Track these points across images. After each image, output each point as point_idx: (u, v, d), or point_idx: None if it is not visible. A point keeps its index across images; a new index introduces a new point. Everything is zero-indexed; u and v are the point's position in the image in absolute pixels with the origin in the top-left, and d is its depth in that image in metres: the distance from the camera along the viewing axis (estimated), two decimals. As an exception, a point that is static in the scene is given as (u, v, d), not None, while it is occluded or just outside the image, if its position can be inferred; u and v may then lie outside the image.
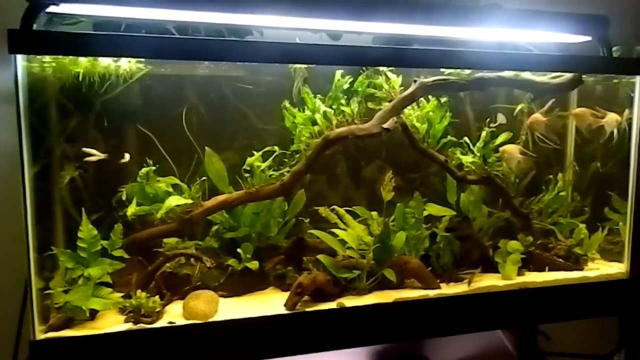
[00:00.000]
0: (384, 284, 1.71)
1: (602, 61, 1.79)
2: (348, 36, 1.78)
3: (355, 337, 1.62)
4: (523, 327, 2.29)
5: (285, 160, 1.73)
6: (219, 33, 1.65)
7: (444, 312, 1.69)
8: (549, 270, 1.90)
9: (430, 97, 1.85)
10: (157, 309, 1.50)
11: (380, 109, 1.75)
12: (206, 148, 1.72)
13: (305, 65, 1.77)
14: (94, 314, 1.48)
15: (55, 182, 1.62)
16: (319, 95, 1.76)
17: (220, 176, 1.72)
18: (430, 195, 1.91)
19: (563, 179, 2.06)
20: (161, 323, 1.48)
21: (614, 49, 1.81)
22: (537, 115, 1.86)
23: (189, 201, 1.63)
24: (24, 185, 1.34)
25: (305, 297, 1.59)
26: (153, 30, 1.54)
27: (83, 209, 1.51)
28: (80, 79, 1.57)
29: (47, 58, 1.52)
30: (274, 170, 1.70)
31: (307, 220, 1.81)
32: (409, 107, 1.82)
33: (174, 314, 1.53)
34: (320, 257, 1.69)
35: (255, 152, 1.70)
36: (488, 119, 1.93)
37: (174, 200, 1.60)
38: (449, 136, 1.87)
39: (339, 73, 1.76)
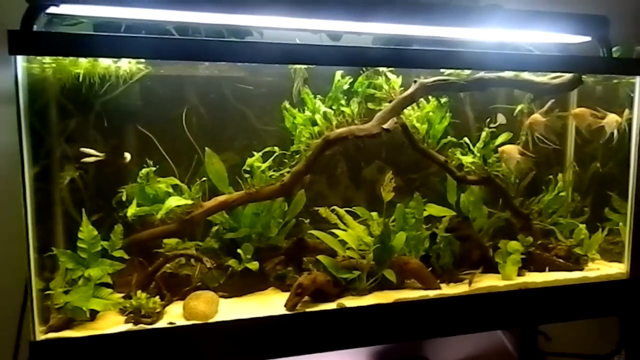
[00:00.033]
0: (384, 285, 1.71)
1: (602, 61, 1.79)
2: (348, 37, 1.78)
3: (355, 337, 1.62)
4: (523, 327, 2.29)
5: (285, 160, 1.73)
6: (219, 34, 1.66)
7: (444, 312, 1.69)
8: (549, 270, 1.90)
9: (430, 97, 1.86)
10: (157, 310, 1.50)
11: (380, 110, 1.75)
12: (206, 149, 1.72)
13: (305, 66, 1.77)
14: (94, 315, 1.48)
15: (56, 182, 1.62)
16: (319, 96, 1.76)
17: (221, 177, 1.72)
18: (430, 195, 1.91)
19: (563, 179, 2.06)
20: (161, 324, 1.48)
21: (613, 49, 1.81)
22: (537, 116, 1.86)
23: (189, 202, 1.63)
24: (24, 185, 1.34)
25: (306, 298, 1.59)
26: (153, 31, 1.54)
27: (83, 209, 1.51)
28: (81, 79, 1.57)
29: (47, 59, 1.52)
30: (274, 171, 1.71)
31: (307, 221, 1.81)
32: (409, 108, 1.82)
33: (174, 315, 1.53)
34: (320, 257, 1.69)
35: (255, 153, 1.70)
36: (488, 120, 1.93)
37: (174, 201, 1.60)
38: (449, 136, 1.87)
39: (339, 74, 1.77)
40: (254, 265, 1.66)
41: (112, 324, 1.47)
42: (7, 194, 1.57)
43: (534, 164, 1.90)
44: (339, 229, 1.73)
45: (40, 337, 1.38)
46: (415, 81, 1.75)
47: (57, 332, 1.41)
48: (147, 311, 1.48)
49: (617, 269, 1.93)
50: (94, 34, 1.50)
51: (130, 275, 1.59)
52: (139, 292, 1.52)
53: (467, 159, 1.87)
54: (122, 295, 1.54)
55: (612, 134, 1.87)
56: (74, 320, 1.46)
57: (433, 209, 1.88)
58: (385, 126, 1.68)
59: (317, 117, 1.73)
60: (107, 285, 1.49)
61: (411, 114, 1.84)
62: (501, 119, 1.95)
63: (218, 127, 1.82)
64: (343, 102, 1.76)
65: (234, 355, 1.52)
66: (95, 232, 1.50)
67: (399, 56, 1.57)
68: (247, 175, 1.68)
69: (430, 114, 1.85)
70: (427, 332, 1.73)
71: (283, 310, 1.56)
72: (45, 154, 1.60)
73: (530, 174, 1.99)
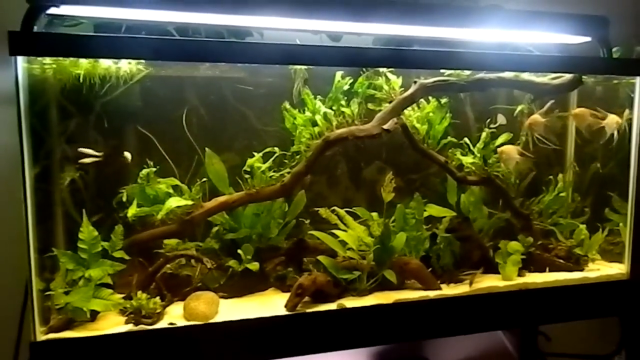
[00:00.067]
0: (384, 285, 1.71)
1: (602, 62, 1.79)
2: (348, 37, 1.78)
3: (355, 338, 1.62)
4: (523, 327, 2.29)
5: (286, 161, 1.74)
6: (219, 34, 1.66)
7: (444, 313, 1.69)
8: (550, 271, 1.90)
9: (430, 98, 1.86)
10: (158, 310, 1.50)
11: (380, 110, 1.75)
12: (206, 149, 1.72)
13: (306, 67, 1.77)
14: (94, 315, 1.48)
15: (56, 183, 1.62)
16: (319, 97, 1.76)
17: (221, 177, 1.72)
18: (430, 196, 1.92)
19: (563, 180, 2.06)
20: (162, 324, 1.48)
21: (614, 49, 1.81)
22: (536, 116, 1.86)
23: (190, 202, 1.63)
24: (24, 186, 1.34)
25: (306, 298, 1.59)
26: (153, 32, 1.54)
27: (84, 210, 1.51)
28: (81, 80, 1.57)
29: (47, 60, 1.53)
30: (274, 172, 1.71)
31: (307, 221, 1.82)
32: (409, 108, 1.82)
33: (175, 315, 1.54)
34: (320, 258, 1.69)
35: (255, 153, 1.70)
36: (488, 120, 1.94)
37: (174, 202, 1.60)
38: (449, 137, 1.87)
39: (339, 74, 1.77)
40: (254, 266, 1.66)
41: (113, 324, 1.47)
42: (7, 195, 1.57)
43: (533, 164, 1.90)
44: (339, 229, 1.72)
45: (41, 337, 1.38)
46: (415, 82, 1.75)
47: (57, 333, 1.41)
48: (148, 312, 1.48)
49: (617, 269, 1.93)
50: (94, 34, 1.50)
51: (130, 276, 1.59)
52: (139, 292, 1.52)
53: (468, 160, 1.87)
54: (122, 295, 1.54)
55: (612, 135, 1.87)
56: (74, 320, 1.46)
57: (433, 210, 1.89)
58: (385, 127, 1.69)
59: (317, 117, 1.73)
60: (107, 285, 1.49)
61: (411, 115, 1.84)
62: (501, 119, 1.95)
63: (218, 127, 1.83)
64: (343, 102, 1.76)
65: (234, 356, 1.52)
66: (96, 233, 1.50)
67: (399, 57, 1.57)
68: (247, 176, 1.68)
69: (431, 114, 1.85)
70: (427, 332, 1.73)
71: (283, 311, 1.56)
72: (45, 155, 1.60)
73: (530, 174, 1.99)
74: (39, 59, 1.50)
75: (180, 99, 1.78)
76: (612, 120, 1.87)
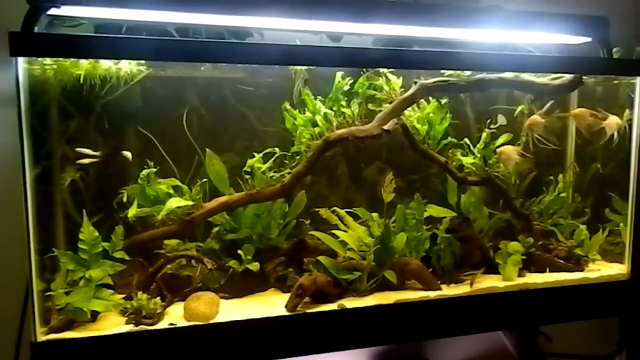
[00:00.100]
0: (384, 285, 1.71)
1: (602, 62, 1.79)
2: (348, 38, 1.78)
3: (356, 338, 1.62)
4: (524, 328, 2.29)
5: (286, 161, 1.73)
6: (220, 35, 1.66)
7: (444, 313, 1.69)
8: (550, 271, 1.90)
9: (430, 98, 1.86)
10: (158, 311, 1.50)
11: (380, 111, 1.75)
12: (207, 150, 1.72)
13: (306, 67, 1.77)
14: (95, 316, 1.48)
15: (56, 183, 1.62)
16: (319, 97, 1.76)
17: (221, 178, 1.72)
18: (430, 196, 1.91)
19: (563, 180, 2.06)
20: (162, 325, 1.48)
21: (614, 50, 1.81)
22: (536, 117, 1.86)
23: (190, 203, 1.63)
24: (25, 187, 1.34)
25: (306, 299, 1.59)
26: (154, 33, 1.54)
27: (84, 210, 1.51)
28: (81, 81, 1.57)
29: (48, 60, 1.53)
30: (274, 172, 1.71)
31: (307, 222, 1.82)
32: (410, 109, 1.82)
33: (175, 316, 1.54)
34: (321, 258, 1.69)
35: (255, 154, 1.70)
36: (488, 120, 1.93)
37: (174, 202, 1.60)
38: (449, 137, 1.87)
39: (339, 75, 1.77)
40: (254, 266, 1.66)
41: (113, 325, 1.47)
42: (8, 195, 1.57)
43: (533, 164, 1.90)
44: (340, 229, 1.72)
45: (41, 338, 1.38)
46: (415, 82, 1.75)
47: (58, 333, 1.41)
48: (148, 312, 1.48)
49: (617, 269, 1.93)
50: (95, 35, 1.50)
51: (131, 276, 1.59)
52: (139, 293, 1.52)
53: (468, 160, 1.87)
54: (123, 296, 1.54)
55: (613, 135, 1.87)
56: (74, 321, 1.46)
57: (433, 210, 1.89)
58: (385, 127, 1.69)
59: (318, 118, 1.73)
60: (108, 286, 1.49)
61: (411, 115, 1.84)
62: (501, 119, 1.95)
63: (219, 128, 1.83)
64: (343, 103, 1.76)
65: (234, 357, 1.52)
66: (96, 233, 1.50)
67: (400, 57, 1.57)
68: (247, 176, 1.68)
69: (431, 115, 1.85)
70: (427, 333, 1.73)
71: (284, 311, 1.56)
72: (46, 155, 1.60)
73: (530, 174, 1.99)
74: (40, 59, 1.50)
75: (181, 100, 1.78)
76: (612, 121, 1.87)
